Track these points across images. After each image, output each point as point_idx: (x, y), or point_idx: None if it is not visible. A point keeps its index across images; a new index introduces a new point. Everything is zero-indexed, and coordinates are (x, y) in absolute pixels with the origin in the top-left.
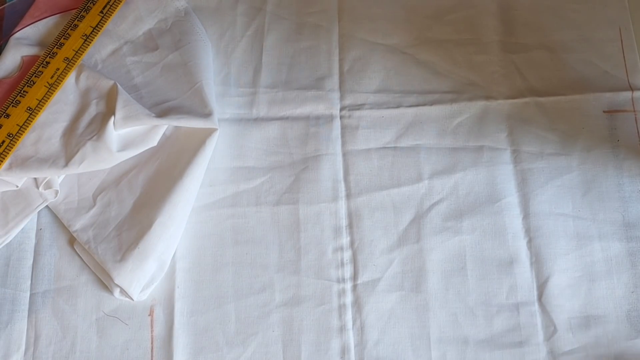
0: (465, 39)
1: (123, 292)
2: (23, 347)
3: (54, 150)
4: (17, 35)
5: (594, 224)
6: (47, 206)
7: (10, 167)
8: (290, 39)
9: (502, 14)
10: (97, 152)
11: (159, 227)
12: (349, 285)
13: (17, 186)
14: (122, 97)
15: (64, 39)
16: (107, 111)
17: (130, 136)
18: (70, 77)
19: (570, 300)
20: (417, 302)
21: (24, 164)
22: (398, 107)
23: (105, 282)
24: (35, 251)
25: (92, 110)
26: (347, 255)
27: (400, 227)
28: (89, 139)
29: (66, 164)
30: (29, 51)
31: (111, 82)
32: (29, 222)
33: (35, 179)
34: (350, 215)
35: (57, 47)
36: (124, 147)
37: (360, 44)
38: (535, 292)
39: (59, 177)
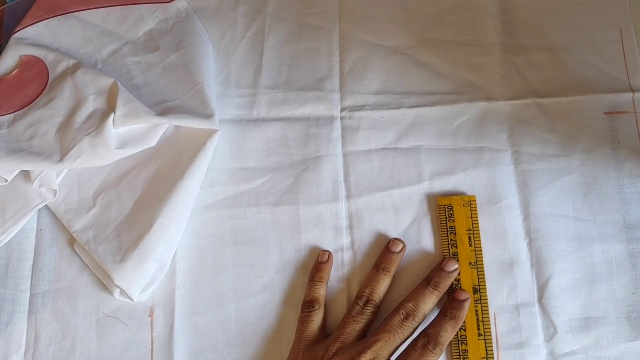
0: (465, 40)
1: (123, 292)
2: (23, 348)
3: (49, 145)
4: (17, 35)
5: (594, 226)
6: (47, 207)
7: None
8: (291, 40)
9: (503, 16)
10: (95, 148)
11: (159, 228)
12: (349, 286)
13: (6, 180)
14: (123, 95)
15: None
16: (107, 108)
17: (129, 134)
18: (67, 74)
19: (570, 302)
20: None
21: (15, 154)
22: (398, 108)
23: (105, 283)
24: (35, 251)
25: (90, 106)
26: (347, 255)
27: (401, 228)
28: (87, 135)
29: (61, 159)
30: (29, 51)
31: (111, 80)
32: (29, 223)
33: (29, 175)
34: (350, 216)
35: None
36: (123, 145)
37: (360, 45)
38: (535, 294)
39: (57, 176)
